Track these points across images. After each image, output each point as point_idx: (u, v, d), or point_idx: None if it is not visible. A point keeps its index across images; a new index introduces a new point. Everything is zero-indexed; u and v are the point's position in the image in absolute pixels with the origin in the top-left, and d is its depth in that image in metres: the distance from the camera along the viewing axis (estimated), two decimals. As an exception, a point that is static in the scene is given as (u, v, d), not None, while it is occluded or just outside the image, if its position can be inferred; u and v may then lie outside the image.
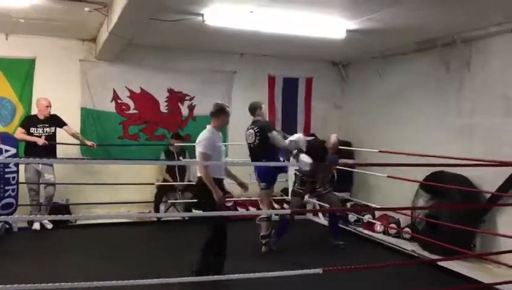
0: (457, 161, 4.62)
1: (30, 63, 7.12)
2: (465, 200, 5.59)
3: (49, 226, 6.53)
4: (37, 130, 6.47)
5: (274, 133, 5.70)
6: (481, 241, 5.73)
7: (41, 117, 6.53)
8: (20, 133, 6.43)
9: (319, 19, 5.66)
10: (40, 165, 6.44)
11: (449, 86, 6.44)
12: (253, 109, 5.88)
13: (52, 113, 6.59)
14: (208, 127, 4.63)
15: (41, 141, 6.37)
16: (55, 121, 6.63)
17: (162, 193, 7.49)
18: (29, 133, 6.43)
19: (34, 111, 6.79)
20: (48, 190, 6.56)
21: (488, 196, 5.58)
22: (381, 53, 7.49)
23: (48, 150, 6.42)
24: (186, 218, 7.32)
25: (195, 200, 6.37)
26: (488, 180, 5.51)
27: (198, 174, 4.53)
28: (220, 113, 4.65)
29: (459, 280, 4.82)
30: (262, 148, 5.64)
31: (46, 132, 6.52)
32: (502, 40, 5.65)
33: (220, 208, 4.43)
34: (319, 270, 3.23)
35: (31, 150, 6.37)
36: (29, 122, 6.55)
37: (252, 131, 5.76)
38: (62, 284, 2.84)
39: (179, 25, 5.71)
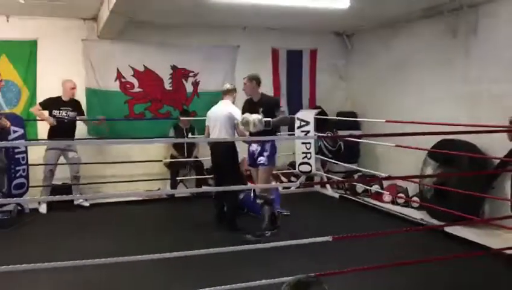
0: (465, 128, 4.59)
1: (32, 45, 7.09)
2: (474, 167, 5.58)
3: (87, 204, 6.68)
4: (60, 112, 6.54)
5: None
6: (490, 207, 5.73)
7: (65, 99, 6.59)
8: (36, 110, 6.53)
9: (322, -12, 5.57)
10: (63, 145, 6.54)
11: (456, 52, 6.34)
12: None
13: (75, 98, 6.72)
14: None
15: (50, 121, 6.44)
16: (78, 108, 6.75)
17: (176, 168, 7.53)
18: (49, 114, 6.49)
19: (39, 93, 6.83)
20: (73, 167, 6.69)
21: (497, 162, 5.56)
22: (386, 21, 7.37)
23: (70, 131, 6.55)
24: (195, 194, 7.35)
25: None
26: (496, 147, 5.46)
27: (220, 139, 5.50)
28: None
29: (468, 246, 4.86)
30: None
31: (69, 115, 6.60)
32: (510, 4, 5.53)
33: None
34: (328, 238, 3.26)
35: (54, 130, 6.46)
36: (51, 103, 6.57)
37: None
38: (75, 261, 2.89)
39: (180, 0, 5.64)
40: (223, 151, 5.46)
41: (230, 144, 5.48)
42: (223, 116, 5.43)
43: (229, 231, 5.42)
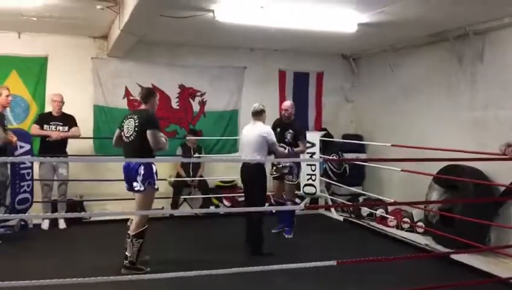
0: (470, 155, 4.58)
1: (42, 61, 7.19)
2: (479, 194, 5.54)
3: (62, 226, 6.55)
4: (49, 127, 6.53)
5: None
6: (496, 235, 5.67)
7: (55, 114, 6.60)
8: (35, 130, 6.51)
9: (330, 12, 5.62)
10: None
11: (462, 79, 6.37)
12: (147, 95, 4.79)
13: (67, 113, 6.66)
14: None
15: (55, 134, 6.44)
16: (70, 122, 6.67)
17: (179, 188, 7.52)
18: (43, 130, 6.51)
19: (48, 109, 6.87)
20: (62, 187, 6.65)
21: (502, 189, 5.52)
22: (392, 46, 7.44)
23: (61, 147, 6.52)
24: (200, 214, 7.34)
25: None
26: (502, 174, 5.43)
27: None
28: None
29: (474, 274, 4.77)
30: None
31: (59, 130, 6.57)
32: (517, 32, 5.58)
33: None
34: (333, 263, 3.23)
35: (45, 146, 6.45)
36: (42, 119, 6.62)
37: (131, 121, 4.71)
38: (78, 279, 2.87)
39: (190, 22, 5.73)
40: (251, 172, 5.46)
41: (259, 165, 5.44)
42: (254, 138, 5.40)
43: (253, 254, 5.34)
